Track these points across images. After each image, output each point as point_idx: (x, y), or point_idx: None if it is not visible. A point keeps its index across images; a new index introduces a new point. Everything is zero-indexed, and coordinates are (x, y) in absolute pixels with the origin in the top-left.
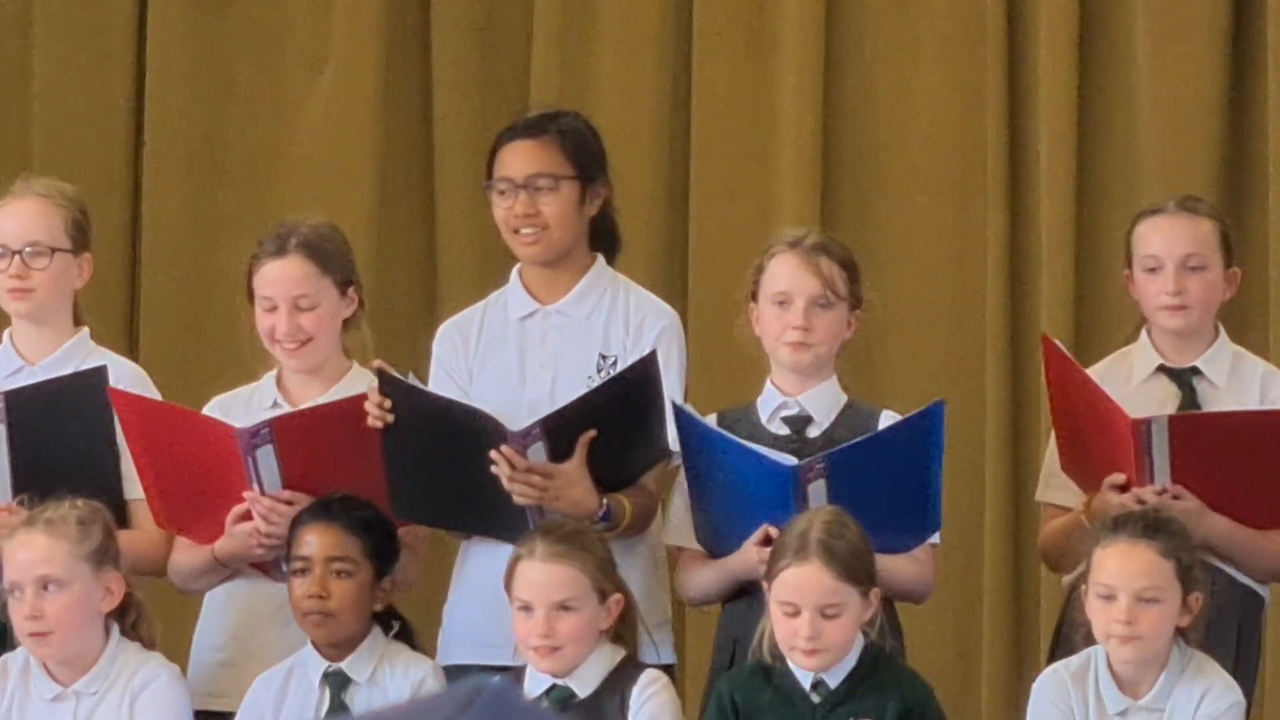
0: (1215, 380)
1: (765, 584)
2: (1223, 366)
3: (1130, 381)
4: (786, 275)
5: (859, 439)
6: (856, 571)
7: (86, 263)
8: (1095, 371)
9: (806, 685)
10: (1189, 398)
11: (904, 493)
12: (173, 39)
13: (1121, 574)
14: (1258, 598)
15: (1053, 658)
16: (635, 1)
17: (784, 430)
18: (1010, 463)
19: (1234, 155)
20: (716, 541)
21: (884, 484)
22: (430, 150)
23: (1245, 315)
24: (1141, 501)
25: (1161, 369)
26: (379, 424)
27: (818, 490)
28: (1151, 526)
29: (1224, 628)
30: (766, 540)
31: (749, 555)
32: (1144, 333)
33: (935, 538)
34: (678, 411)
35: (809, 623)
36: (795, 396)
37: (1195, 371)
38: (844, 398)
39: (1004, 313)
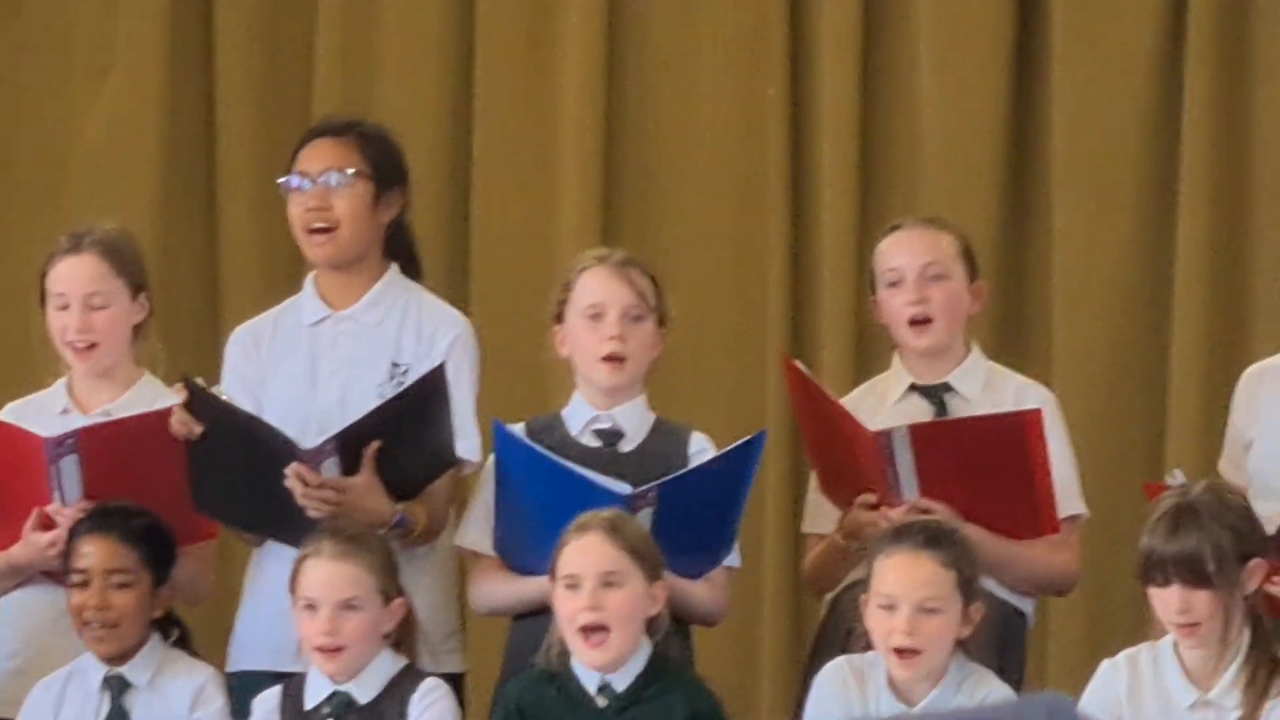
0: (967, 395)
1: (550, 579)
2: (975, 382)
3: (884, 403)
4: (598, 288)
5: (691, 468)
6: (640, 549)
7: None
8: (850, 399)
9: (593, 689)
10: (941, 414)
11: (715, 519)
12: None
13: (903, 584)
14: (1021, 615)
15: (811, 668)
16: (417, 9)
17: (595, 443)
18: (791, 473)
19: (1017, 164)
20: (521, 557)
21: (702, 511)
22: (213, 157)
23: (1029, 326)
24: (890, 520)
25: (914, 388)
26: (184, 434)
27: (644, 518)
28: (934, 537)
29: (986, 645)
30: None
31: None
32: (895, 355)
33: (735, 559)
34: (497, 431)
35: (590, 593)
36: (607, 410)
37: (947, 388)
38: (652, 415)
39: (785, 322)
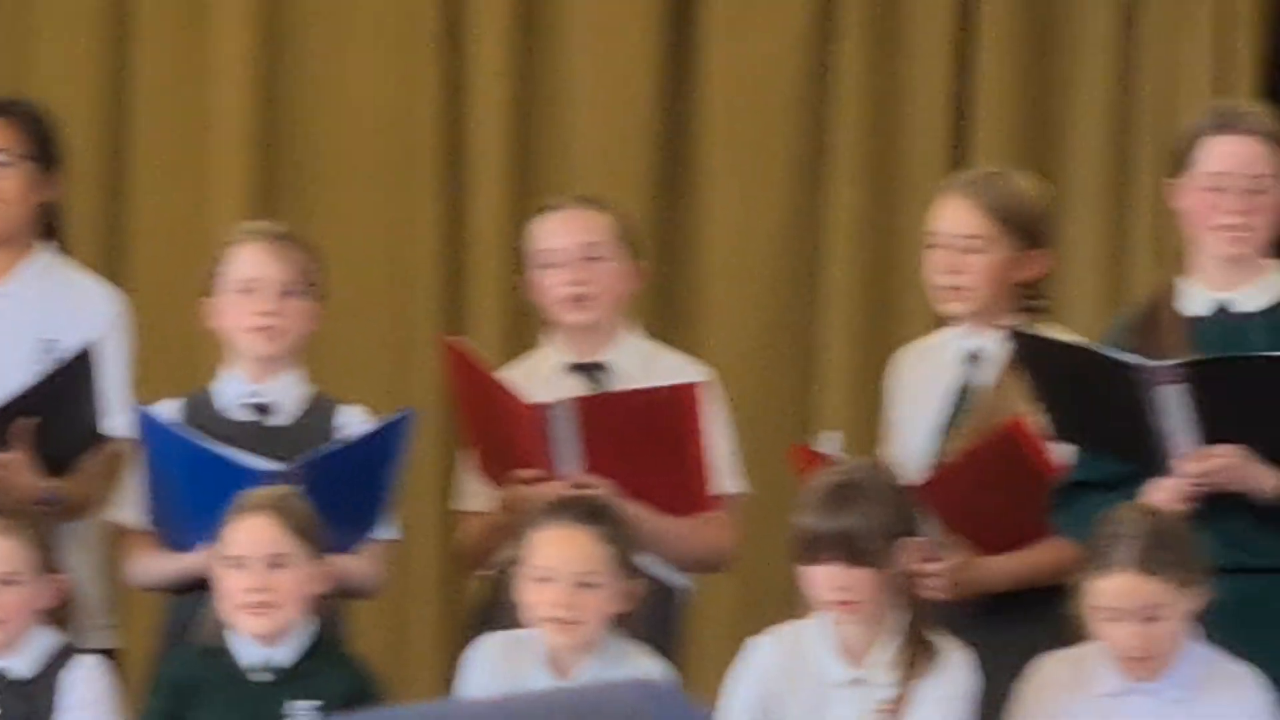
0: (623, 373)
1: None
2: (631, 360)
3: (540, 381)
4: (252, 262)
5: (338, 445)
6: (305, 529)
7: None
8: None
9: (252, 665)
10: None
11: (365, 495)
12: None
13: (560, 558)
14: (677, 592)
15: (467, 645)
16: None
17: (248, 417)
18: (443, 449)
19: (670, 143)
20: (175, 534)
21: (351, 488)
22: None
23: (682, 305)
24: (548, 495)
25: (571, 366)
26: None
27: None
28: (592, 513)
29: (643, 621)
30: None
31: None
32: (545, 334)
33: (392, 532)
34: (140, 415)
35: (255, 574)
36: (260, 384)
37: (602, 366)
38: (308, 389)
39: (438, 300)
